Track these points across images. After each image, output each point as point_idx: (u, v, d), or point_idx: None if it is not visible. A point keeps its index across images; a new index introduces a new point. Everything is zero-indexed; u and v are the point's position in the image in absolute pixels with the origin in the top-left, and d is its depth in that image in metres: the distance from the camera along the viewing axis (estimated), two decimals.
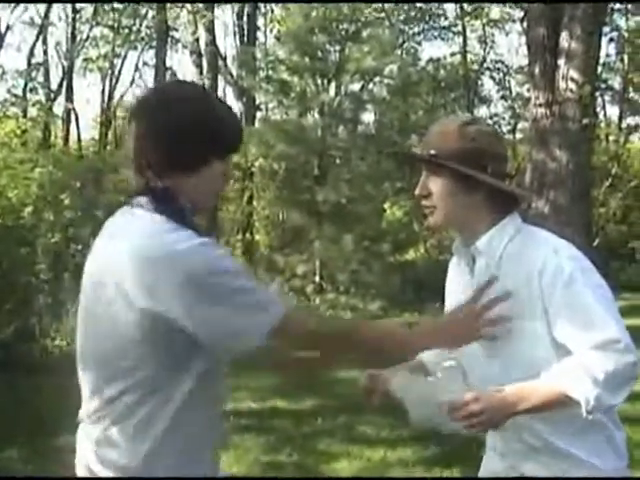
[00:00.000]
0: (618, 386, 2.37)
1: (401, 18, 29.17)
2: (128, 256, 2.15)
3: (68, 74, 28.89)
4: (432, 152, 2.58)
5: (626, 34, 25.65)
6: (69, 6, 28.74)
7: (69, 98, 28.58)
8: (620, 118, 29.44)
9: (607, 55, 25.60)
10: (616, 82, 28.37)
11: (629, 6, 23.23)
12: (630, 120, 29.72)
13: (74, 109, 28.79)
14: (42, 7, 28.32)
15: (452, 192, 2.58)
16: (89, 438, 2.28)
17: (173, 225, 2.20)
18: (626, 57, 26.30)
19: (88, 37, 29.75)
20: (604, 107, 29.37)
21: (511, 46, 52.00)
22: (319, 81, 16.91)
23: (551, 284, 2.43)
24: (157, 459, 2.21)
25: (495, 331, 2.49)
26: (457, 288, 2.78)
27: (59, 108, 28.70)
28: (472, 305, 2.51)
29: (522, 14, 21.67)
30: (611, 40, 24.92)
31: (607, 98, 29.11)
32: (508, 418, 2.39)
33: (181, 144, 2.26)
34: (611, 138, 28.07)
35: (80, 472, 2.32)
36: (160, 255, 2.13)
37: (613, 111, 37.22)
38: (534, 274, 2.47)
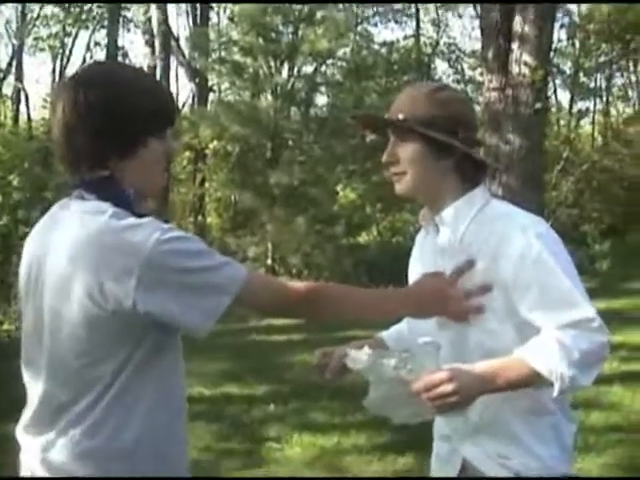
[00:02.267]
0: (590, 366, 2.32)
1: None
2: (78, 246, 2.09)
3: (18, 53, 28.59)
4: (401, 117, 2.53)
5: (577, 19, 25.83)
6: None
7: (19, 78, 28.31)
8: (571, 102, 29.73)
9: (559, 40, 25.81)
10: (567, 67, 28.66)
11: None
12: (581, 104, 30.08)
13: (24, 89, 28.50)
14: None
15: (422, 158, 2.53)
16: (39, 445, 2.21)
17: (120, 211, 2.13)
18: (577, 42, 26.51)
19: (39, 16, 29.49)
20: (555, 91, 29.65)
21: (464, 30, 52.14)
22: (272, 63, 16.82)
23: (519, 260, 2.38)
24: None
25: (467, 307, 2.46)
26: (422, 257, 2.75)
27: (8, 88, 28.38)
28: (441, 274, 2.51)
29: None
30: (562, 25, 25.10)
31: (558, 82, 29.37)
32: (478, 397, 2.32)
33: (114, 128, 2.17)
34: (562, 122, 28.31)
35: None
36: (111, 242, 2.07)
37: (564, 96, 37.46)
38: (500, 249, 2.43)
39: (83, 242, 2.09)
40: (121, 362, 2.13)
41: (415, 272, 2.77)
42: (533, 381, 2.33)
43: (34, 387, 2.26)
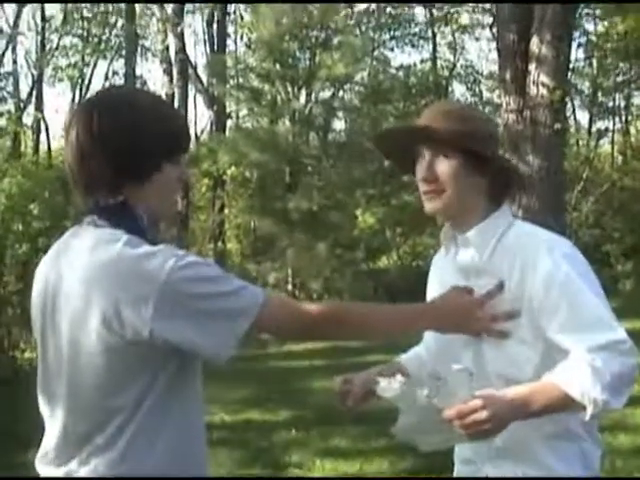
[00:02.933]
0: (622, 389, 2.27)
1: (371, 25, 29.21)
2: (93, 275, 2.07)
3: (37, 83, 28.79)
4: (435, 132, 2.45)
5: (594, 38, 25.79)
6: (39, 15, 28.72)
7: (38, 108, 28.45)
8: (590, 122, 29.63)
9: (576, 60, 25.75)
10: (585, 86, 28.58)
11: (597, 11, 23.37)
12: (600, 124, 29.97)
13: (44, 119, 28.64)
14: (11, 16, 28.25)
15: (462, 174, 2.46)
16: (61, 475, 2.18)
17: (134, 238, 2.11)
18: (595, 61, 26.46)
19: (58, 46, 29.70)
20: (574, 112, 29.50)
21: (481, 52, 52.19)
22: (290, 88, 16.89)
23: (547, 281, 2.34)
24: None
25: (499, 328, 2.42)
26: (442, 277, 2.69)
27: (29, 118, 28.52)
28: (465, 294, 2.47)
29: (491, 20, 21.76)
30: (579, 45, 25.05)
31: (577, 103, 29.28)
32: (510, 423, 2.27)
33: (129, 153, 2.15)
34: (581, 142, 28.23)
35: None
36: (127, 270, 2.04)
37: (583, 116, 37.40)
38: (527, 270, 2.38)
39: (97, 271, 2.06)
40: (142, 391, 2.10)
41: (433, 291, 2.73)
42: (566, 405, 2.29)
43: (53, 418, 2.23)
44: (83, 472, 2.13)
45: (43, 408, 2.28)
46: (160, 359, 2.11)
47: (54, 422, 2.22)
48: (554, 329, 2.34)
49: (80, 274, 2.10)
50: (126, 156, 2.14)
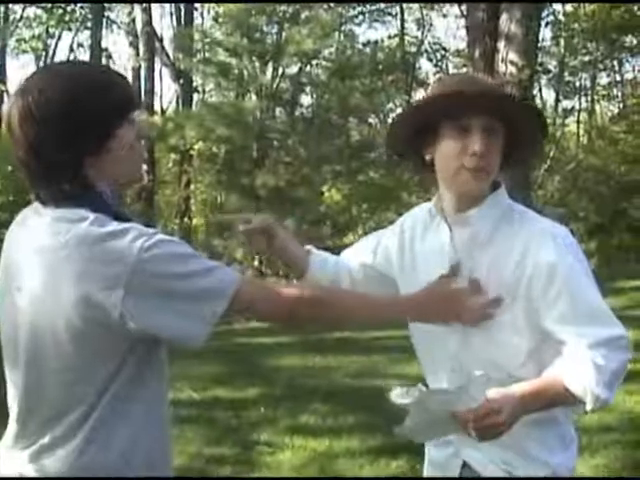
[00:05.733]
0: (616, 384, 2.30)
1: None
2: (58, 256, 2.00)
3: (0, 55, 28.44)
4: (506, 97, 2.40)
5: (563, 18, 25.89)
6: None
7: (1, 80, 28.12)
8: (556, 101, 29.80)
9: (543, 39, 25.83)
10: (552, 65, 28.71)
11: None
12: (566, 103, 30.16)
13: (7, 91, 28.26)
14: None
15: (499, 153, 2.40)
16: (23, 458, 2.12)
17: (101, 216, 2.03)
18: (562, 41, 26.57)
19: (21, 17, 29.36)
20: (540, 90, 29.67)
21: (449, 29, 52.21)
22: (257, 63, 16.79)
23: (551, 271, 2.30)
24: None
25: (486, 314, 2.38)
26: (425, 255, 2.60)
27: None
28: (453, 280, 2.41)
29: None
30: (547, 24, 25.13)
31: (543, 81, 29.41)
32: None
33: (76, 130, 2.05)
34: (547, 121, 28.34)
35: None
36: (94, 250, 1.98)
37: (549, 94, 37.56)
38: (529, 256, 2.35)
39: (62, 251, 1.99)
40: (109, 376, 2.05)
41: (409, 268, 2.65)
42: (568, 400, 2.31)
43: (13, 403, 2.18)
44: (46, 460, 2.08)
45: (8, 392, 2.22)
46: (128, 344, 2.05)
47: (15, 407, 2.17)
48: (553, 318, 2.32)
49: (42, 255, 2.03)
50: (75, 134, 2.05)
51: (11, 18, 29.00)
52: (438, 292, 2.43)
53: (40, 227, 2.08)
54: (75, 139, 2.05)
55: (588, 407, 2.28)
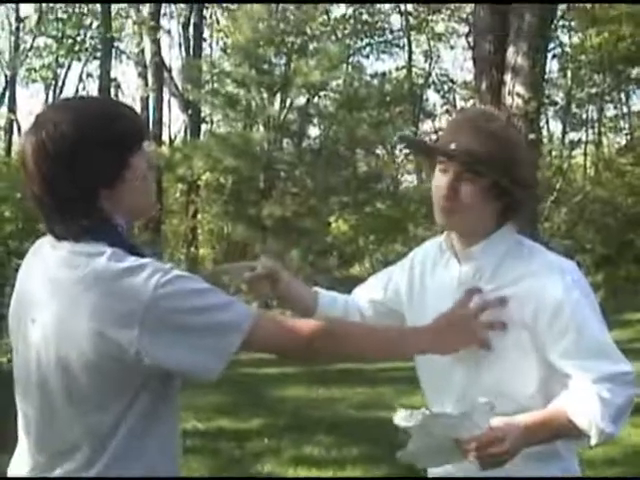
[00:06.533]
0: (622, 418, 2.30)
1: (347, 32, 29.29)
2: (76, 291, 2.00)
3: (11, 84, 28.63)
4: (470, 153, 2.35)
5: (569, 50, 25.98)
6: (13, 15, 28.56)
7: (11, 109, 28.33)
8: (563, 133, 29.83)
9: (550, 71, 25.91)
10: (559, 98, 28.77)
11: (572, 22, 23.54)
12: (573, 135, 30.19)
13: (16, 120, 28.50)
14: None
15: (483, 199, 2.40)
16: None
17: (118, 251, 2.04)
18: (569, 73, 26.65)
19: (32, 47, 29.53)
20: (547, 122, 29.71)
21: (456, 61, 52.39)
22: (265, 94, 16.87)
23: (557, 306, 2.31)
24: None
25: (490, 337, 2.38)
26: (435, 291, 2.61)
27: (1, 119, 28.42)
28: (466, 306, 2.40)
29: (467, 29, 21.84)
30: (554, 56, 25.22)
31: (550, 113, 29.47)
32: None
33: (92, 164, 2.06)
34: (554, 153, 28.39)
35: None
36: (111, 286, 1.98)
37: (556, 126, 37.64)
38: (535, 292, 2.35)
39: (81, 286, 2.00)
40: (123, 409, 2.04)
41: (418, 303, 2.66)
42: (572, 433, 2.32)
43: (24, 434, 2.18)
44: None
45: (19, 422, 2.22)
46: (143, 377, 2.05)
47: (27, 436, 2.17)
48: (558, 352, 2.33)
49: (59, 288, 2.04)
50: (90, 166, 2.06)
51: (21, 48, 29.20)
52: (448, 319, 2.42)
53: (56, 260, 2.09)
54: (90, 172, 2.06)
55: (593, 441, 2.27)
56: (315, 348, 2.25)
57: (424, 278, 2.69)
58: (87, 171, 2.05)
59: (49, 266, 2.11)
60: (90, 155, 2.05)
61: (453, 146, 2.41)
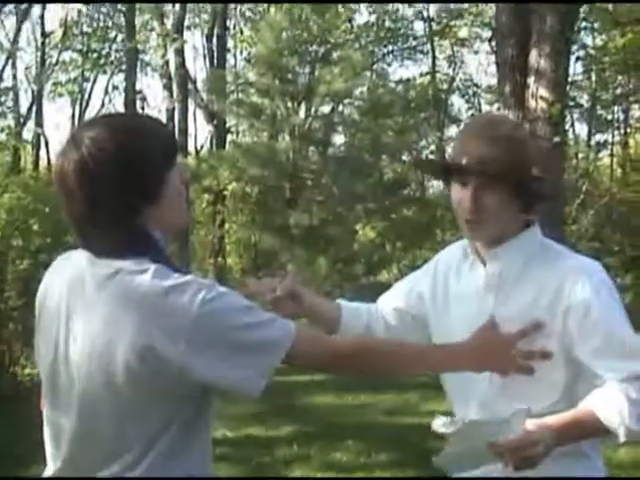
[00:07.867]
0: None
1: (370, 39, 29.29)
2: (121, 308, 2.04)
3: (37, 99, 28.85)
4: (485, 164, 2.39)
5: (593, 52, 25.85)
6: (38, 30, 28.81)
7: (38, 123, 28.53)
8: (589, 135, 29.69)
9: (574, 73, 25.79)
10: (584, 100, 28.64)
11: (595, 24, 23.44)
12: (599, 137, 30.03)
13: (44, 134, 28.74)
14: (11, 31, 28.36)
15: (506, 204, 2.43)
16: None
17: (161, 267, 2.07)
18: (593, 75, 26.51)
19: (57, 61, 29.79)
20: (572, 125, 29.59)
21: (480, 65, 52.25)
22: (289, 103, 16.92)
23: (586, 306, 2.35)
24: None
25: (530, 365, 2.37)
26: (462, 295, 2.64)
27: (29, 133, 28.63)
28: (497, 330, 2.40)
29: (490, 33, 21.78)
30: (578, 59, 25.10)
31: (575, 115, 29.35)
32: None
33: (136, 182, 2.10)
34: (580, 155, 28.25)
35: None
36: (158, 304, 2.02)
37: (581, 128, 37.45)
38: (564, 293, 2.39)
39: (127, 304, 2.03)
40: (165, 420, 2.08)
41: (442, 307, 2.70)
42: (601, 433, 2.36)
43: (58, 447, 2.20)
44: None
45: (49, 435, 2.24)
46: (188, 389, 2.08)
47: (59, 452, 2.19)
48: (587, 353, 2.37)
49: (102, 305, 2.07)
50: (132, 183, 2.09)
51: (47, 62, 29.42)
52: (487, 343, 2.42)
53: (98, 277, 2.11)
54: (133, 189, 2.08)
55: (621, 439, 2.31)
56: (351, 365, 2.28)
57: (448, 282, 2.72)
58: (130, 188, 2.08)
59: (87, 282, 2.13)
60: (132, 172, 2.08)
61: (465, 160, 2.44)
